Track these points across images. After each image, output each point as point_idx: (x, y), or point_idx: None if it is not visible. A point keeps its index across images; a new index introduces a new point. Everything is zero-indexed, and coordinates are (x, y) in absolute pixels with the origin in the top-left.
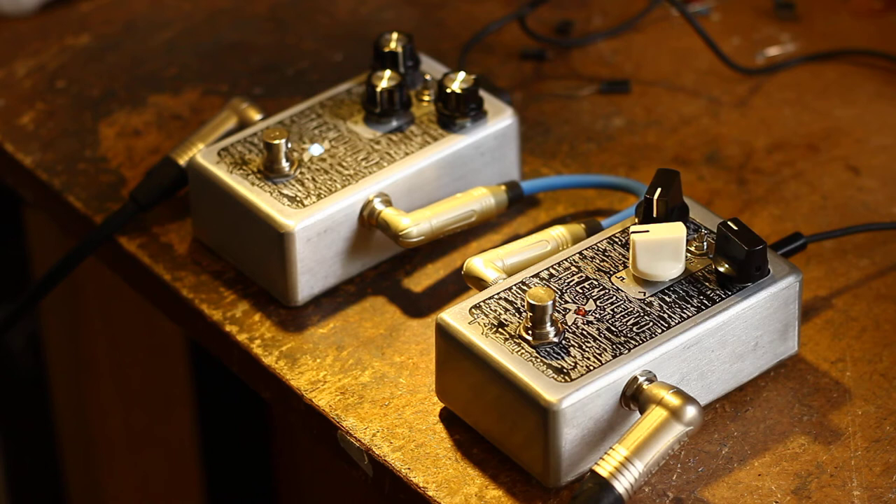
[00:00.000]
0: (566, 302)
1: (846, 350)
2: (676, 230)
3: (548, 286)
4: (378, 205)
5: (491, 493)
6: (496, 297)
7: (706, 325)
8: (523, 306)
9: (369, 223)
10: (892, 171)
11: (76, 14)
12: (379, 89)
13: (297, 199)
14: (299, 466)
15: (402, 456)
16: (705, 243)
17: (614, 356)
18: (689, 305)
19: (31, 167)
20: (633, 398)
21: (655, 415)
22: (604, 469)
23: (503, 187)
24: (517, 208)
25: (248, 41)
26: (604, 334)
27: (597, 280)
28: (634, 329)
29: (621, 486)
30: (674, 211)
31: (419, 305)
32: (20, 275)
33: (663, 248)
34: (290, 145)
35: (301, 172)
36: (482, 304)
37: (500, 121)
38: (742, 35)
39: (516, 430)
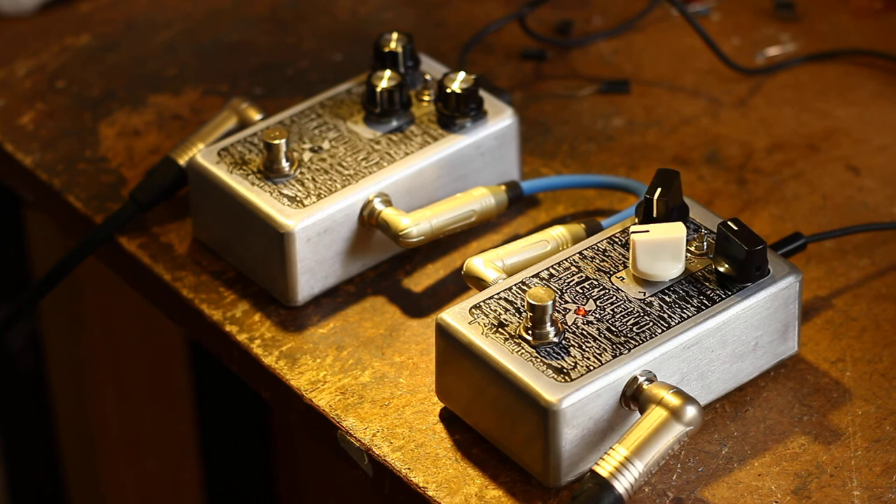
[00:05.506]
0: (566, 302)
1: (846, 350)
2: (676, 230)
3: (548, 286)
4: (378, 205)
5: (491, 493)
6: (496, 297)
7: (706, 325)
8: (523, 306)
9: (369, 223)
10: (892, 171)
11: (76, 14)
12: (379, 89)
13: (297, 199)
14: (299, 466)
15: (402, 456)
16: (705, 243)
17: (614, 356)
18: (689, 305)
19: (31, 167)
20: (633, 398)
21: (655, 415)
22: (604, 469)
23: (503, 187)
24: (517, 208)
25: (248, 41)
26: (604, 334)
27: (597, 280)
28: (634, 329)
29: (621, 486)
30: (674, 211)
31: (419, 305)
32: (20, 275)
33: (663, 248)
34: (290, 145)
35: (301, 172)
36: (482, 304)
37: (500, 121)
38: (742, 35)
39: (516, 430)
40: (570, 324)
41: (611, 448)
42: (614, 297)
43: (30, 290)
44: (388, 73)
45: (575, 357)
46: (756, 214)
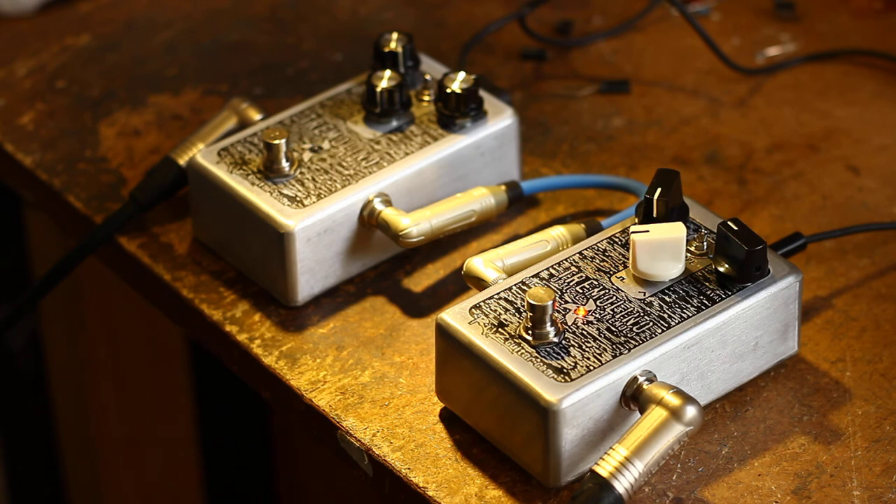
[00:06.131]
0: (566, 302)
1: (846, 350)
2: (676, 230)
3: (548, 286)
4: (378, 205)
5: (491, 493)
6: (496, 297)
7: (706, 325)
8: (523, 306)
9: (369, 223)
10: (892, 171)
11: (76, 14)
12: (379, 89)
13: (297, 199)
14: (299, 466)
15: (402, 456)
16: (705, 243)
17: (614, 356)
18: (689, 305)
19: (31, 167)
20: (633, 398)
21: (655, 415)
22: (604, 469)
23: (503, 187)
24: (517, 208)
25: (248, 41)
26: (604, 334)
27: (597, 280)
28: (634, 329)
29: (621, 486)
30: (674, 211)
31: (419, 305)
32: (20, 275)
33: (663, 248)
34: (290, 145)
35: (301, 172)
36: (482, 304)
37: (500, 121)
38: (742, 35)
39: (516, 430)
40: (570, 324)
41: (611, 448)
42: (614, 297)
43: (30, 290)
44: (388, 73)
45: (575, 357)
46: (756, 214)
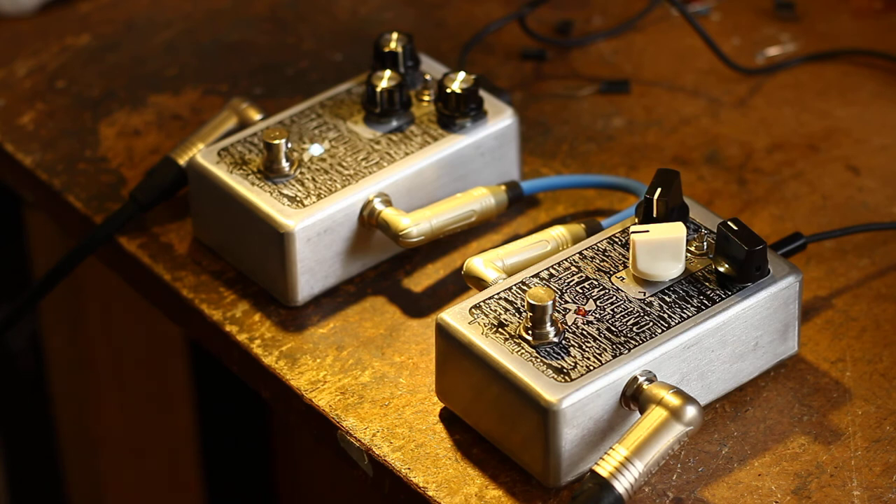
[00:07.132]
0: (566, 302)
1: (846, 350)
2: (676, 230)
3: (548, 286)
4: (378, 205)
5: (491, 493)
6: (496, 297)
7: (706, 325)
8: (523, 306)
9: (369, 223)
10: (892, 171)
11: (76, 14)
12: (379, 89)
13: (297, 199)
14: (299, 466)
15: (402, 456)
16: (705, 243)
17: (614, 356)
18: (689, 305)
19: (31, 167)
20: (633, 398)
21: (655, 415)
22: (604, 469)
23: (503, 187)
24: (517, 208)
25: (248, 41)
26: (604, 334)
27: (597, 280)
28: (634, 329)
29: (621, 486)
30: (674, 211)
31: (419, 305)
32: (20, 275)
33: (663, 248)
34: (290, 145)
35: (301, 172)
36: (482, 304)
37: (500, 121)
38: (742, 35)
39: (516, 430)
40: (570, 324)
41: (611, 448)
42: (614, 297)
43: (30, 290)
44: (388, 73)
45: (575, 357)
46: (756, 214)
